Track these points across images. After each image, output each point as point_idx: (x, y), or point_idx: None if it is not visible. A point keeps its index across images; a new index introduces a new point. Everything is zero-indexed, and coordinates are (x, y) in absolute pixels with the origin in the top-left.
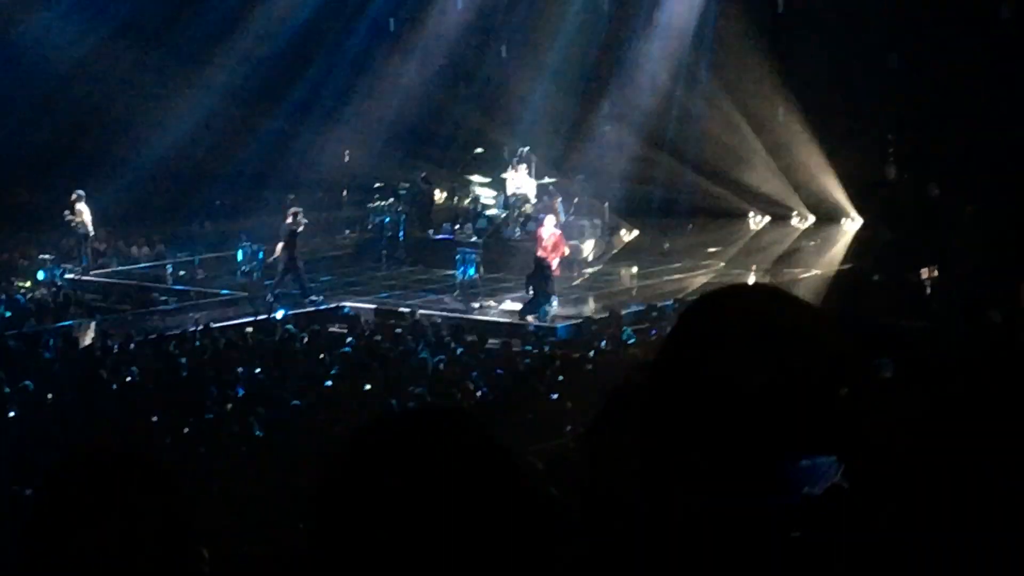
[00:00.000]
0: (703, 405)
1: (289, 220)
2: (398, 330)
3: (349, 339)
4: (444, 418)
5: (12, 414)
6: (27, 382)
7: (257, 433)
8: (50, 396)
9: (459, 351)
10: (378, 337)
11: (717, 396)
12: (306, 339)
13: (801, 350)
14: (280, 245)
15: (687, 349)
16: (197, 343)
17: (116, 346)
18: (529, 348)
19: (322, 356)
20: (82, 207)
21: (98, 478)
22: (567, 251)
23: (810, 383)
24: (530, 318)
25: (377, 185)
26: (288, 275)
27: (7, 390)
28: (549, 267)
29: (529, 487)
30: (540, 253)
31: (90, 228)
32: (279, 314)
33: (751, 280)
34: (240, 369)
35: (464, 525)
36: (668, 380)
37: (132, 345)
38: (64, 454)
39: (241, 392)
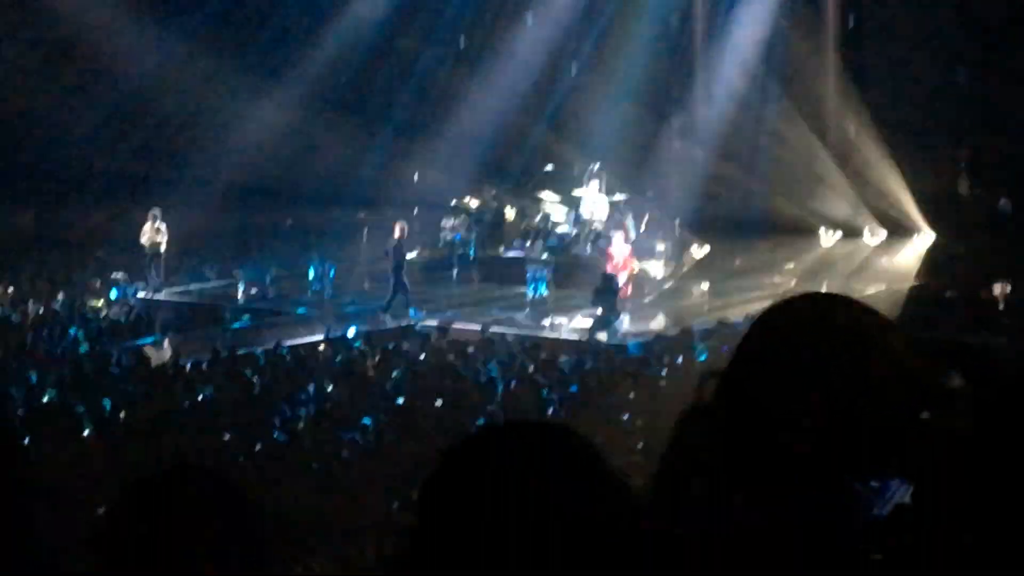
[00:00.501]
0: (774, 416)
1: (396, 235)
2: (469, 348)
3: (420, 356)
4: (552, 431)
5: (86, 433)
6: (103, 401)
7: (343, 455)
8: (123, 415)
9: (530, 369)
10: (450, 355)
11: (788, 406)
12: (378, 357)
13: (874, 360)
14: (390, 261)
15: (758, 355)
16: (268, 362)
17: (188, 365)
18: (600, 366)
19: (394, 374)
20: (160, 225)
21: (180, 497)
22: (636, 269)
23: (883, 397)
24: (600, 335)
25: (450, 203)
26: (397, 292)
27: (81, 409)
28: (616, 283)
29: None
30: (609, 270)
31: (163, 247)
32: (350, 332)
33: None
34: (311, 388)
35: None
36: (738, 388)
37: (204, 364)
38: (145, 471)
39: (313, 411)
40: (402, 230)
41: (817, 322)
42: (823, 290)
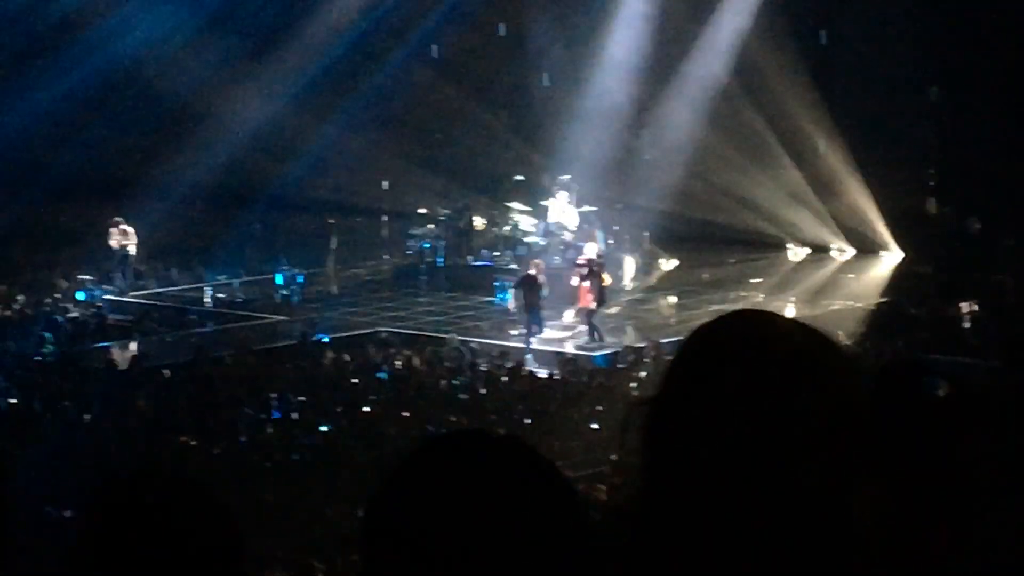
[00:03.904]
0: (703, 430)
1: (532, 272)
2: (436, 356)
3: (388, 364)
4: (499, 443)
5: (48, 433)
6: (65, 402)
7: (294, 457)
8: (87, 417)
9: (501, 378)
10: (416, 363)
11: (716, 422)
12: (346, 364)
13: (805, 378)
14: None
15: (687, 373)
16: (234, 365)
17: (153, 367)
18: (568, 376)
19: (356, 381)
20: (127, 228)
21: (151, 501)
22: (608, 280)
23: (812, 417)
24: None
25: (418, 211)
26: (534, 322)
27: (44, 410)
28: (539, 287)
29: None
30: (574, 281)
31: (132, 250)
32: (316, 338)
33: (789, 311)
34: (275, 393)
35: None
36: (670, 403)
37: (168, 367)
38: (113, 475)
39: (277, 415)
40: (539, 269)
41: (744, 342)
42: (790, 305)
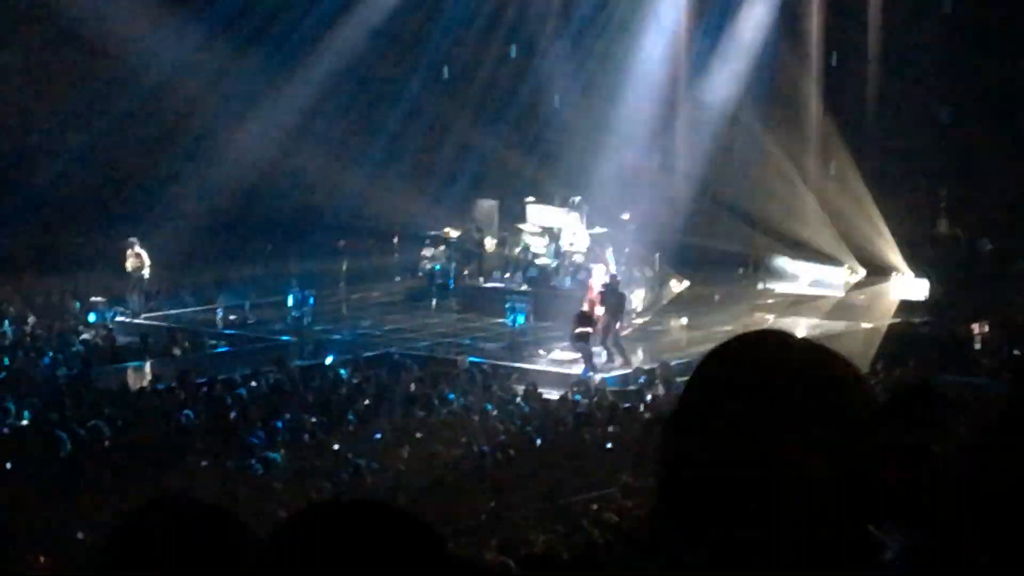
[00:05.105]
0: (717, 455)
1: (585, 308)
2: (449, 378)
3: (401, 386)
4: (373, 514)
5: (63, 455)
6: (78, 428)
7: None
8: (107, 442)
9: (517, 399)
10: (428, 386)
11: (731, 445)
12: (358, 387)
13: (817, 397)
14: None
15: (703, 392)
16: (245, 387)
17: (165, 389)
18: (580, 398)
19: (367, 402)
20: (140, 251)
21: (180, 529)
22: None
23: (829, 440)
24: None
25: (430, 233)
26: (612, 345)
27: (60, 432)
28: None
29: None
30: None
31: (146, 273)
32: (328, 360)
33: (799, 332)
34: (286, 415)
35: None
36: (684, 426)
37: (182, 389)
38: (144, 503)
39: (287, 438)
40: (614, 279)
41: (757, 363)
42: (800, 327)
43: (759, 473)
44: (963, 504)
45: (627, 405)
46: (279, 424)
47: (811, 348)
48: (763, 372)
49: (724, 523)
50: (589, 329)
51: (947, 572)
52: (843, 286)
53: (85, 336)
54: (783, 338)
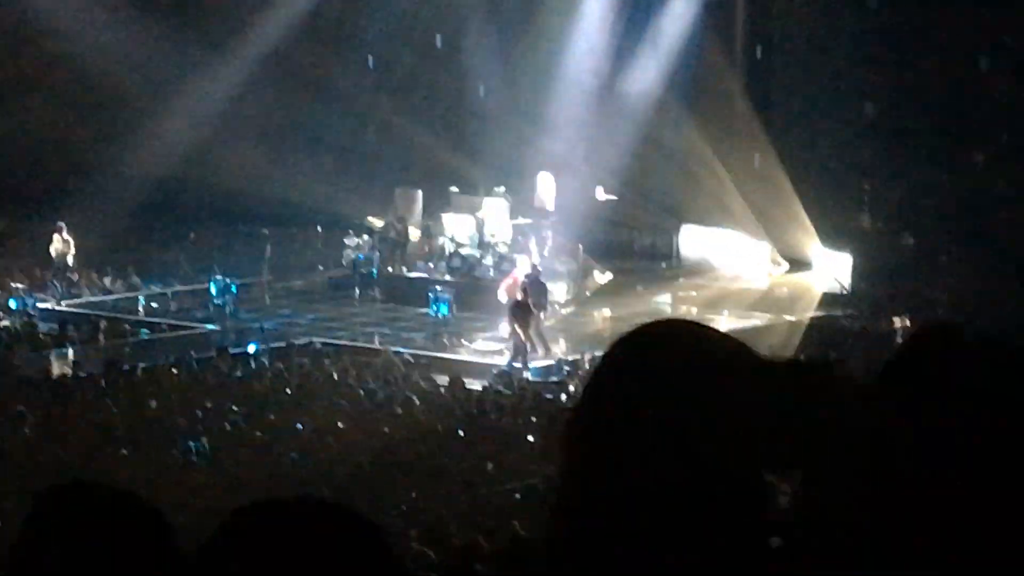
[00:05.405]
0: (620, 435)
1: (520, 296)
2: (369, 367)
3: (321, 375)
4: (322, 511)
5: None
6: None
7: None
8: (26, 429)
9: (440, 389)
10: (350, 374)
11: (632, 427)
12: (281, 375)
13: (719, 382)
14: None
15: (607, 380)
16: (165, 375)
17: (86, 376)
18: (501, 389)
19: (289, 392)
20: (67, 237)
21: (87, 512)
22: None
23: (728, 419)
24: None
25: (354, 222)
26: (535, 335)
27: None
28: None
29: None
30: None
31: (70, 259)
32: (251, 348)
33: (722, 324)
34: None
35: None
36: (589, 410)
37: (103, 376)
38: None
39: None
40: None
41: (661, 349)
42: (723, 318)
43: (660, 458)
44: (852, 454)
45: (549, 396)
46: (200, 413)
47: (715, 334)
48: (666, 358)
49: (625, 506)
50: (530, 319)
51: (835, 522)
52: (766, 279)
53: (5, 323)
54: (686, 326)
